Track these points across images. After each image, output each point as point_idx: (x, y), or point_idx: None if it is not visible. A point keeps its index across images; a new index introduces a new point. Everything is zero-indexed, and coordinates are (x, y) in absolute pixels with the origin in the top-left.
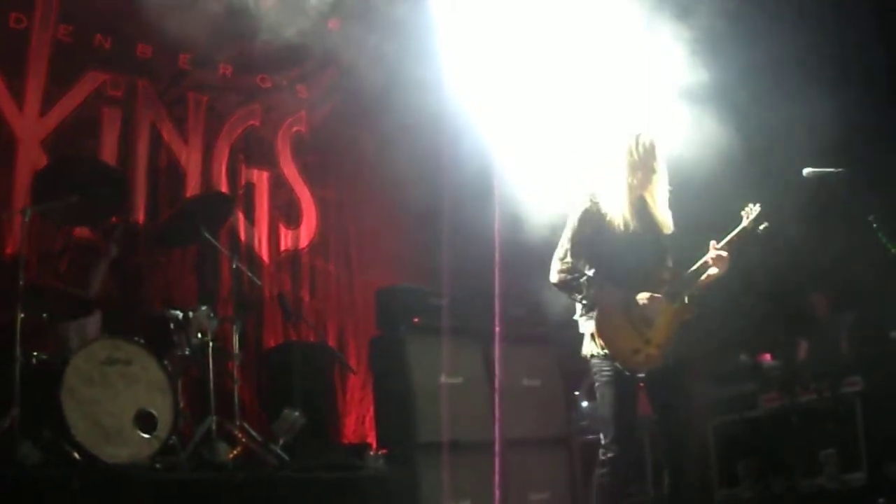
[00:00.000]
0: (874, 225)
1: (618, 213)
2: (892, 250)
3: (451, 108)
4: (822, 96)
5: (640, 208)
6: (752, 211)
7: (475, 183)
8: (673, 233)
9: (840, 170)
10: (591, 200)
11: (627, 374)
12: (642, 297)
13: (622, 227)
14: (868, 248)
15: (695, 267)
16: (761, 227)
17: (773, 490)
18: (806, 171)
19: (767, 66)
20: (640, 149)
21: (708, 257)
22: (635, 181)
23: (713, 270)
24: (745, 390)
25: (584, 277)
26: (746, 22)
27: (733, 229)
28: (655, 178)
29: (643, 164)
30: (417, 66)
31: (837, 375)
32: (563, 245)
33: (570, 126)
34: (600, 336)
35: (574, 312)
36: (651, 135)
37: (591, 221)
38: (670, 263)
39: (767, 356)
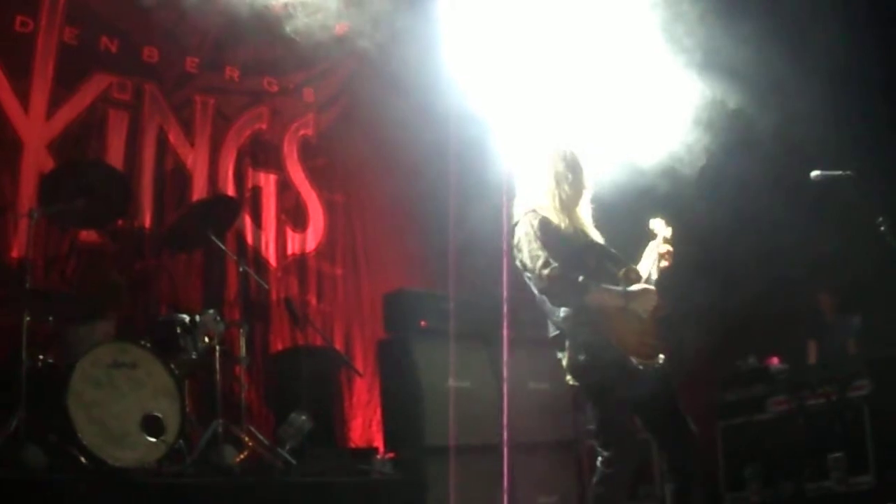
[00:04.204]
0: (882, 228)
1: (565, 222)
2: None
3: (459, 110)
4: (825, 97)
5: (577, 221)
6: (657, 223)
7: (483, 185)
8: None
9: (848, 172)
10: (537, 213)
11: (641, 367)
12: (638, 290)
13: (574, 235)
14: (876, 251)
15: (649, 264)
16: (669, 235)
17: (780, 494)
18: (814, 173)
19: (767, 66)
20: (567, 163)
21: (656, 253)
22: (566, 194)
23: (663, 264)
24: (754, 393)
25: (581, 278)
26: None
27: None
28: (586, 193)
29: (573, 179)
30: (424, 70)
31: (845, 379)
32: (538, 255)
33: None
34: (608, 334)
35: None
36: (576, 150)
37: (550, 230)
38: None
39: (776, 359)
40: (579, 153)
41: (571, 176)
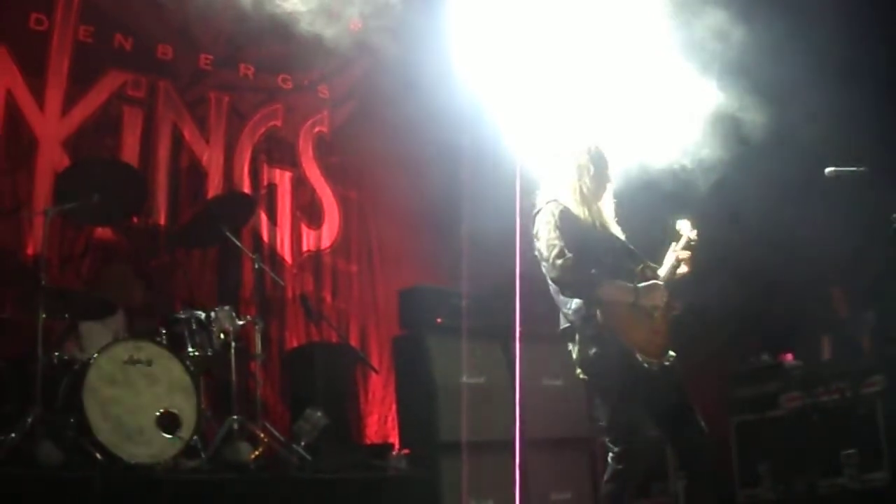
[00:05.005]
0: (895, 224)
1: (585, 215)
2: None
3: (473, 107)
4: (836, 93)
5: (598, 214)
6: (683, 224)
7: (496, 182)
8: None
9: (861, 168)
10: (559, 203)
11: (646, 365)
12: (648, 286)
13: (593, 228)
14: (890, 247)
15: (668, 267)
16: (694, 237)
17: (793, 490)
18: (827, 169)
19: (780, 66)
20: (591, 156)
21: (676, 257)
22: (588, 187)
23: (682, 270)
24: (767, 390)
25: (593, 271)
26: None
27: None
28: (609, 187)
29: (595, 172)
30: (438, 66)
31: (859, 375)
32: (554, 245)
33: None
34: (617, 329)
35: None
36: (603, 146)
37: (570, 221)
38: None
39: (789, 355)
40: (604, 147)
41: (594, 169)
